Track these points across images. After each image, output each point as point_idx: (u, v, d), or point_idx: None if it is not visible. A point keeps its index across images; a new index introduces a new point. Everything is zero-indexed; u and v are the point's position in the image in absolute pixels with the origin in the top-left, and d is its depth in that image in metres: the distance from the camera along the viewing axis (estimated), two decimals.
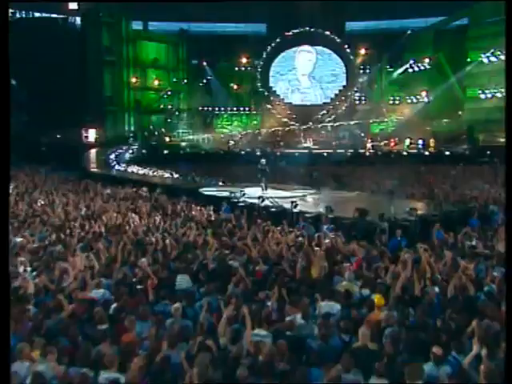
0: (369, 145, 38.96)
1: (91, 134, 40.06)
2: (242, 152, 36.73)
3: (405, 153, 36.63)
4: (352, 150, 36.91)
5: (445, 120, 39.82)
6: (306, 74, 45.11)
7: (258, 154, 35.71)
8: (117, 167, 33.42)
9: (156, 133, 41.35)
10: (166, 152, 37.49)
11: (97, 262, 9.05)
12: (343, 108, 43.91)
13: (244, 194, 18.76)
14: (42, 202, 16.74)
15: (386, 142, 39.91)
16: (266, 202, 17.38)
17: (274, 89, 45.07)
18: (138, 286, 8.17)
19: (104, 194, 19.98)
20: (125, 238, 10.82)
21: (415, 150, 37.24)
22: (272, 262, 9.73)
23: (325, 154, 36.46)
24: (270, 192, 19.88)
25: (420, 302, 7.39)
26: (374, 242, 11.71)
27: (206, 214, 15.49)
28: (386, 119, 43.37)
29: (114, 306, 7.37)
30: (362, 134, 42.93)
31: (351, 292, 7.99)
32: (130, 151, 38.11)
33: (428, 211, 15.84)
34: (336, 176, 25.09)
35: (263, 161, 20.99)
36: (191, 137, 42.82)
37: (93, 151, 38.07)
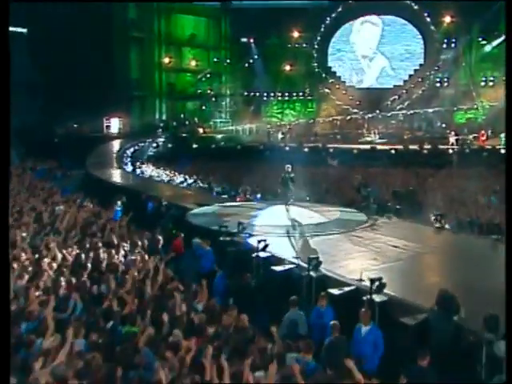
0: (452, 139, 31.16)
1: (114, 124, 35.35)
2: (287, 148, 30.06)
3: (502, 150, 27.99)
4: (429, 146, 29.08)
5: None
6: (373, 51, 39.23)
7: (305, 149, 29.48)
8: (129, 166, 27.73)
9: (187, 122, 35.83)
10: (195, 146, 31.58)
11: None
12: (420, 92, 37.41)
13: (244, 229, 12.18)
14: None
15: (474, 135, 31.50)
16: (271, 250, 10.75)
17: (333, 69, 39.72)
18: None
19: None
20: None
21: None
22: None
23: (392, 152, 28.77)
24: (295, 212, 14.43)
25: None
26: None
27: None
28: (475, 106, 35.56)
29: None
30: (444, 125, 35.91)
31: None
32: (154, 145, 32.51)
33: None
34: (399, 194, 17.79)
35: (288, 166, 15.03)
36: (231, 127, 37.67)
37: (112, 144, 32.85)
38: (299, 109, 40.18)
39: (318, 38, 38.89)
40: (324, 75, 39.08)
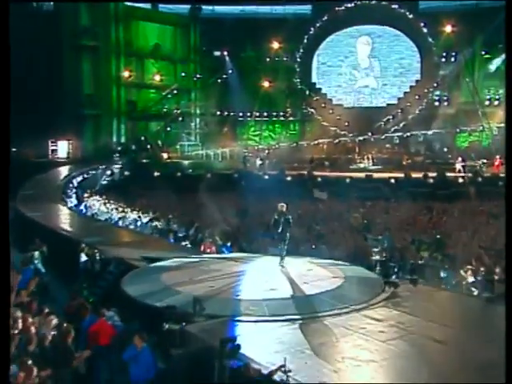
0: (459, 165, 27.93)
1: (62, 147, 31.39)
2: (266, 176, 26.31)
3: None
4: (435, 174, 25.30)
5: None
6: (363, 65, 36.76)
7: (288, 178, 26.48)
8: (73, 199, 23.34)
9: (149, 146, 32.87)
10: (157, 174, 27.44)
11: None
12: (417, 112, 34.77)
13: (202, 310, 7.97)
14: None
15: (483, 160, 27.97)
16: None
17: (318, 86, 37.11)
18: None
19: None
20: None
21: None
22: None
23: (392, 181, 24.93)
24: (293, 267, 11.35)
25: None
26: None
27: None
28: (481, 127, 32.57)
29: None
30: (445, 149, 32.99)
31: None
32: (109, 172, 28.40)
33: None
34: (423, 245, 13.73)
35: (283, 205, 11.65)
36: (201, 152, 34.80)
37: (58, 171, 28.47)
38: (280, 131, 37.73)
39: (301, 51, 36.39)
40: (308, 92, 36.56)
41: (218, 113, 36.52)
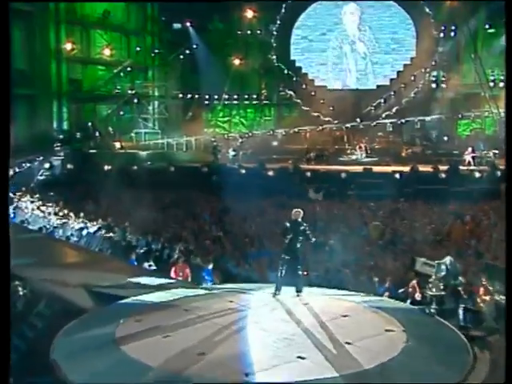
0: (468, 157, 25.14)
1: None
2: (243, 170, 23.34)
3: None
4: (446, 168, 22.27)
5: None
6: (350, 40, 33.60)
7: (269, 173, 23.10)
8: None
9: (98, 134, 29.55)
10: (107, 168, 23.91)
11: None
12: (412, 95, 31.39)
13: None
14: None
15: (495, 151, 25.29)
16: None
17: (297, 64, 33.91)
18: None
19: None
20: None
21: None
22: None
23: (397, 176, 21.55)
24: (317, 308, 8.52)
25: None
26: None
27: None
28: (486, 113, 29.59)
29: None
30: (446, 138, 30.21)
31: None
32: (47, 166, 26.19)
33: None
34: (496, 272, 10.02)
35: (298, 211, 9.32)
36: (161, 141, 31.32)
37: None
38: (252, 116, 34.83)
39: (277, 23, 32.80)
40: (286, 72, 33.18)
41: (181, 95, 33.75)
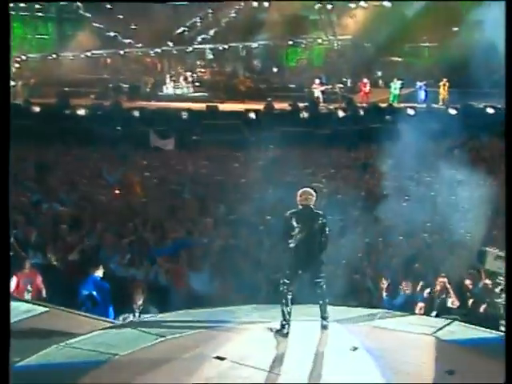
0: (317, 91, 21.26)
1: None
2: (36, 109, 16.05)
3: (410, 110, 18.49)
4: (302, 105, 18.58)
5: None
6: None
7: (80, 112, 17.23)
8: None
9: None
10: None
11: None
12: (232, 14, 25.75)
13: None
14: None
15: (341, 85, 22.04)
16: None
17: None
18: None
19: None
20: None
21: (416, 104, 19.79)
22: None
23: (252, 116, 16.88)
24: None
25: None
26: None
27: None
28: (322, 39, 25.73)
29: None
30: (276, 69, 25.99)
31: None
32: None
33: None
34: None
35: (307, 193, 5.32)
36: None
37: None
38: (20, 33, 24.93)
39: None
40: None
41: None
